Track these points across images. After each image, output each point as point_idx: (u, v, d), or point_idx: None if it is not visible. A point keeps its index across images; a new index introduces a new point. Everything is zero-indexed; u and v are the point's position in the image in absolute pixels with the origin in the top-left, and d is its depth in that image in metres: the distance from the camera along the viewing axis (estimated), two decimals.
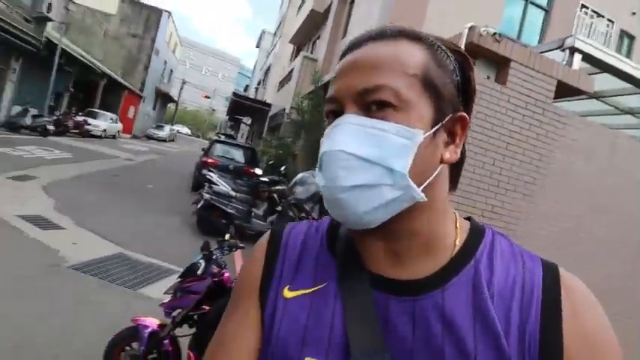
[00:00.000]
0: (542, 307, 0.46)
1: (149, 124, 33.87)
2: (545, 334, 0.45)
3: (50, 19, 14.55)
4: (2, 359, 2.44)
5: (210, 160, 10.01)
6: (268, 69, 28.33)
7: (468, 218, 0.57)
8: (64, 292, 3.44)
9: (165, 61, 35.01)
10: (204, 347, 1.81)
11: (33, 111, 14.45)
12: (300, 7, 16.95)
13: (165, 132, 32.73)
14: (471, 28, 3.85)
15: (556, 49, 4.52)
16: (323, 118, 0.51)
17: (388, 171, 0.44)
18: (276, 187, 7.55)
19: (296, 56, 17.48)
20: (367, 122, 0.45)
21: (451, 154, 0.50)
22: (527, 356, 0.44)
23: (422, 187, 0.47)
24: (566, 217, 4.27)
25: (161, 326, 2.24)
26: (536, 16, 8.91)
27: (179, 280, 2.28)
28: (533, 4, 8.94)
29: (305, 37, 15.69)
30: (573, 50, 4.35)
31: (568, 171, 4.26)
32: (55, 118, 15.92)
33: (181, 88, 43.95)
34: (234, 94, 22.51)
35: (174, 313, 2.23)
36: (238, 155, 10.92)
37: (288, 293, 0.52)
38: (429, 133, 0.46)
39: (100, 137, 20.47)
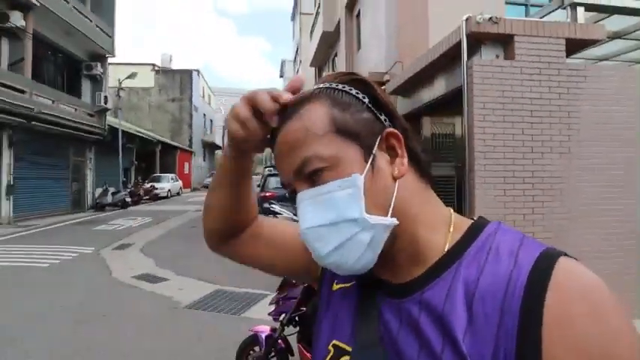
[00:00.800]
0: (521, 306, 0.42)
1: (203, 174, 36.52)
2: (521, 338, 0.41)
3: (108, 109, 16.75)
4: None
5: (267, 194, 10.89)
6: None
7: (477, 217, 0.55)
8: (189, 325, 4.26)
9: (204, 114, 37.80)
10: (309, 340, 2.36)
11: (111, 189, 16.59)
12: (311, 32, 17.83)
13: None
14: (467, 20, 4.23)
15: (557, 9, 4.71)
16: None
17: (352, 221, 0.48)
18: None
19: (318, 77, 18.28)
20: (313, 192, 0.50)
21: (399, 167, 0.51)
22: None
23: (390, 213, 0.49)
24: (613, 165, 4.36)
25: (273, 330, 2.87)
26: None
27: (278, 291, 2.91)
28: None
29: (324, 58, 16.47)
30: (574, 5, 4.52)
31: (603, 120, 4.38)
32: (129, 190, 18.11)
33: (223, 135, 46.84)
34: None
35: (281, 318, 2.85)
36: None
37: (334, 286, 0.62)
38: (365, 171, 0.49)
39: (167, 197, 22.65)
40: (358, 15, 11.15)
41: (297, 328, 2.86)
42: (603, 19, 4.92)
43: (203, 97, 37.47)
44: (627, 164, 4.40)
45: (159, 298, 5.24)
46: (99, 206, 16.09)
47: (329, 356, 0.55)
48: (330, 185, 0.49)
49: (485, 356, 0.42)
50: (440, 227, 0.53)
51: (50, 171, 14.26)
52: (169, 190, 23.27)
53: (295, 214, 4.08)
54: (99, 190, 16.52)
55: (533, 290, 0.42)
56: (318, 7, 15.63)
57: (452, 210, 0.56)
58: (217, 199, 0.68)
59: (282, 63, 44.25)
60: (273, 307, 2.93)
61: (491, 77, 4.23)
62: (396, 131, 0.52)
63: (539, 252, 0.45)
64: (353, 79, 0.54)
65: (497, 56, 4.40)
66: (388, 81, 7.42)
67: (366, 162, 0.49)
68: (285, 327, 2.86)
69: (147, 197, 20.36)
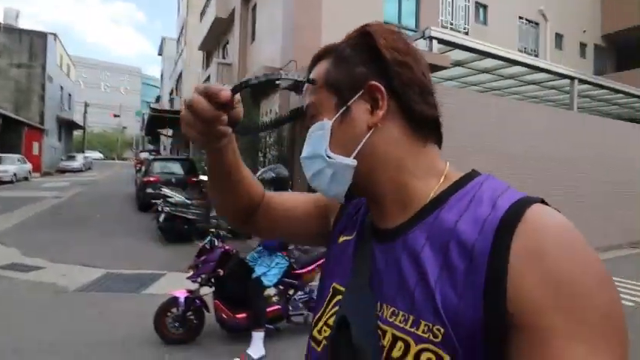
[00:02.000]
0: (492, 244, 0.45)
1: (58, 157, 31.49)
2: (490, 273, 0.44)
3: None
4: (93, 349, 3.24)
5: (152, 179, 10.46)
6: (179, 77, 27.87)
7: (471, 170, 0.58)
8: (85, 306, 4.19)
9: (62, 87, 32.49)
10: (225, 297, 2.99)
11: None
12: (202, 14, 17.21)
13: (78, 162, 30.65)
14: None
15: (419, 38, 6.02)
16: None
17: (321, 157, 0.58)
18: None
19: (207, 62, 17.81)
20: (309, 130, 0.62)
21: (375, 117, 0.56)
22: (472, 294, 0.44)
23: (353, 155, 0.56)
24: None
25: (190, 292, 3.23)
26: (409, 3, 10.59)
27: (196, 256, 3.27)
28: None
29: (214, 43, 16.13)
30: (431, 38, 5.86)
31: (450, 131, 5.79)
32: None
33: (85, 112, 41.04)
34: (152, 109, 22.07)
35: (199, 280, 3.22)
36: (176, 168, 11.46)
37: (340, 239, 0.69)
38: (335, 117, 0.58)
39: (12, 182, 19.03)
40: (254, 8, 11.43)
41: (213, 288, 3.29)
42: (448, 51, 6.46)
43: (60, 66, 32.14)
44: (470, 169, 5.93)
45: (39, 285, 4.86)
46: None
47: (329, 296, 0.63)
48: (312, 127, 0.61)
49: (454, 296, 0.46)
50: (429, 177, 0.57)
51: None
52: (15, 174, 19.56)
53: (188, 198, 4.83)
54: None
55: (503, 228, 0.45)
56: None
57: (448, 164, 0.60)
58: (217, 190, 0.75)
59: (163, 40, 40.86)
60: (191, 272, 3.28)
61: None
62: (379, 86, 0.55)
63: (518, 198, 0.48)
64: (363, 32, 0.59)
65: None
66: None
67: (338, 112, 0.58)
68: (202, 287, 3.27)
69: None
